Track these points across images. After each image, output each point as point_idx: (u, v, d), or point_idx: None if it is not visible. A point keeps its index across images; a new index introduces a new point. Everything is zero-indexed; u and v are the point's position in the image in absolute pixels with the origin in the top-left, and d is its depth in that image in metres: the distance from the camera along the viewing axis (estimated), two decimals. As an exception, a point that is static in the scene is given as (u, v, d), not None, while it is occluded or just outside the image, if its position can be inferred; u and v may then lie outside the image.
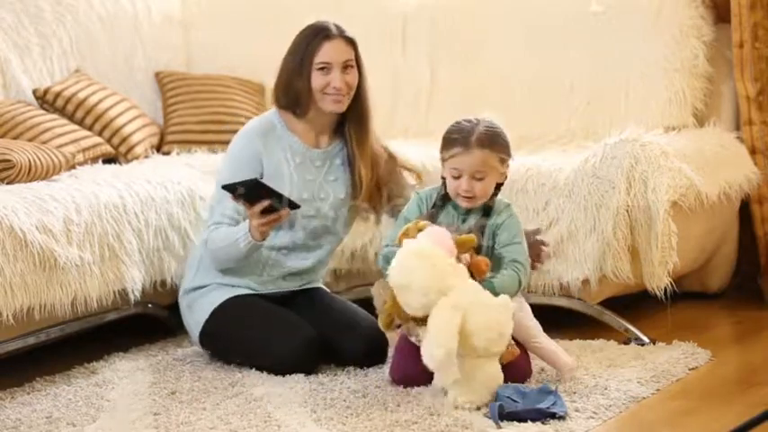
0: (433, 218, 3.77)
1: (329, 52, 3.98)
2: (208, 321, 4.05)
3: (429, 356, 3.46)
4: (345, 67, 3.98)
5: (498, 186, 3.80)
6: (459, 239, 3.64)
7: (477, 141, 3.71)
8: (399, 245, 3.64)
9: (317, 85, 3.97)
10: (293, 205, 3.89)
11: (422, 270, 3.51)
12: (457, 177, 3.74)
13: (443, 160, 3.78)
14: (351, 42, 4.02)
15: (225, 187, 3.86)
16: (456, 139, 3.75)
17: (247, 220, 3.90)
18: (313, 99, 3.99)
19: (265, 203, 3.84)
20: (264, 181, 3.89)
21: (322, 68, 3.96)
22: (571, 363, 3.75)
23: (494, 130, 3.75)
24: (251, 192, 3.84)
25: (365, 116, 4.06)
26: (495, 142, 3.74)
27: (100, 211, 4.16)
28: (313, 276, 4.18)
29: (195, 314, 4.09)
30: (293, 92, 4.02)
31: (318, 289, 4.20)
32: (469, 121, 3.76)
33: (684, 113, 4.80)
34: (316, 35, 4.00)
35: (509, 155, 3.79)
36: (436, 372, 3.52)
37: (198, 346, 4.15)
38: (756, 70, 4.74)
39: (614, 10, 4.89)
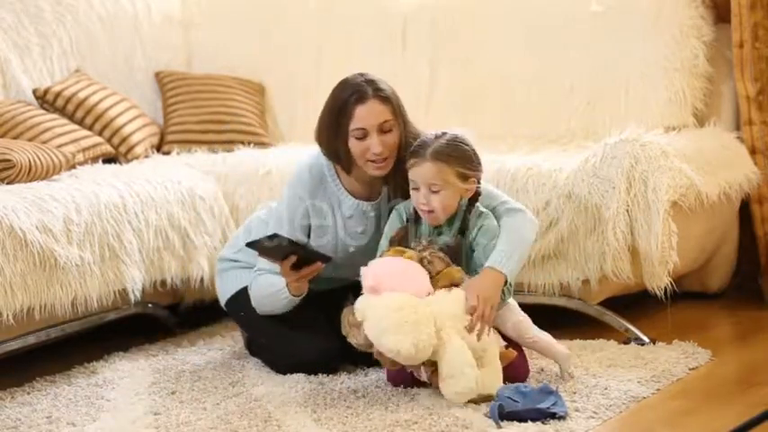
0: (406, 232, 3.76)
1: (364, 117, 3.75)
2: (234, 297, 4.05)
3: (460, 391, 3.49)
4: (383, 129, 3.77)
5: (472, 201, 3.76)
6: (443, 274, 3.65)
7: (432, 153, 3.67)
8: None
9: (356, 152, 3.79)
10: (324, 258, 3.78)
11: (402, 333, 3.51)
12: (416, 189, 3.72)
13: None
14: (386, 100, 3.79)
15: (248, 245, 3.75)
16: (415, 150, 3.73)
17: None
18: (355, 162, 3.83)
19: (293, 259, 3.74)
20: (287, 235, 3.78)
21: (359, 135, 3.78)
22: (566, 350, 3.77)
23: (455, 144, 3.70)
24: (275, 248, 3.72)
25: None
26: (452, 156, 3.68)
27: (100, 210, 4.16)
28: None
29: (225, 284, 4.10)
30: (334, 152, 3.84)
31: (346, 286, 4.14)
32: (435, 134, 3.73)
33: (684, 113, 4.80)
34: (349, 97, 3.77)
35: (473, 170, 3.72)
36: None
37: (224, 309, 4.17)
38: (756, 70, 4.74)
39: (614, 10, 4.89)
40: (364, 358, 3.89)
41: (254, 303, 3.95)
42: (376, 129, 3.78)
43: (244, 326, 4.16)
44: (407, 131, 3.85)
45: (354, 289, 3.88)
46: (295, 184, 3.93)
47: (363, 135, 3.78)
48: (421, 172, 3.70)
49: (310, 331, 3.92)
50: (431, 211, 3.72)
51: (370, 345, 3.66)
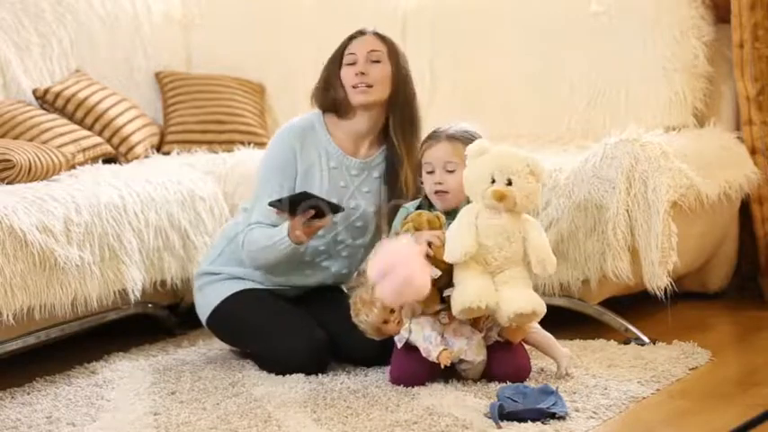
0: None
1: (357, 44, 3.98)
2: (216, 310, 4.04)
3: None
4: (371, 58, 3.95)
5: None
6: (429, 218, 3.73)
7: (447, 135, 3.84)
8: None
9: (346, 80, 3.95)
10: (336, 208, 3.83)
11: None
12: (431, 173, 3.82)
13: (421, 165, 3.86)
14: (382, 38, 4.00)
15: (271, 204, 3.82)
16: (429, 136, 3.89)
17: (286, 222, 3.85)
18: (348, 99, 3.96)
19: (309, 214, 3.79)
20: (309, 191, 3.85)
21: (350, 61, 3.95)
22: (567, 351, 3.81)
23: (465, 129, 3.87)
24: (296, 205, 3.80)
25: (412, 119, 3.98)
26: (464, 138, 3.83)
27: (100, 211, 4.16)
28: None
29: (205, 298, 4.09)
30: (331, 93, 3.99)
31: (331, 287, 4.17)
32: (447, 126, 3.88)
33: (684, 113, 4.80)
34: (351, 35, 4.01)
35: None
36: None
37: (206, 327, 4.16)
38: (756, 70, 4.74)
39: (614, 10, 4.89)
40: (363, 356, 3.91)
41: (246, 256, 3.97)
42: (364, 55, 3.95)
43: (228, 340, 4.14)
44: (405, 82, 3.97)
45: (333, 290, 4.09)
46: (284, 131, 4.01)
47: (353, 61, 3.95)
48: (437, 153, 3.82)
49: (294, 332, 3.92)
50: (445, 192, 3.78)
51: (379, 327, 3.73)
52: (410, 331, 3.72)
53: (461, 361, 3.71)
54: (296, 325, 3.94)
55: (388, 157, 4.01)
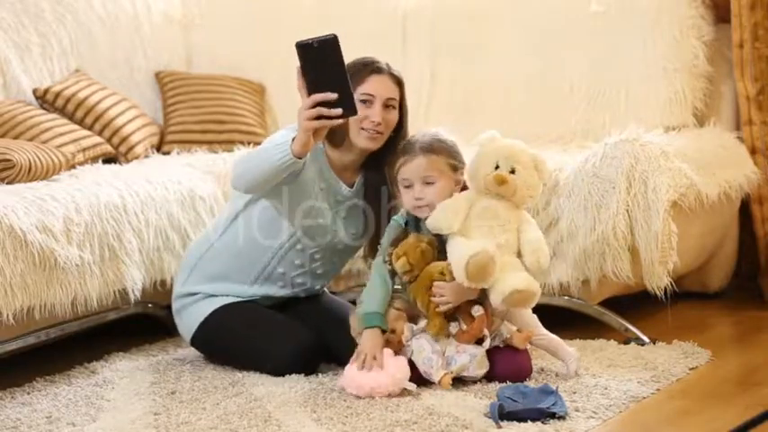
0: (406, 235, 3.78)
1: (375, 85, 3.83)
2: (199, 330, 4.03)
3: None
4: (387, 104, 3.84)
5: None
6: (423, 249, 3.71)
7: (422, 148, 3.75)
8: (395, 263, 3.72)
9: (355, 117, 3.79)
10: (350, 110, 3.60)
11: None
12: (408, 187, 3.76)
13: (397, 179, 3.79)
14: (398, 82, 3.89)
15: (299, 44, 3.60)
16: (403, 149, 3.80)
17: (294, 133, 3.65)
18: (347, 131, 3.85)
19: (328, 97, 3.55)
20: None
21: (364, 100, 3.81)
22: (575, 352, 3.80)
23: (437, 137, 3.79)
24: (322, 58, 3.58)
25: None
26: (439, 147, 3.76)
27: (100, 211, 4.16)
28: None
29: (185, 320, 4.07)
30: None
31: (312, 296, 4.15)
32: (419, 134, 3.81)
33: (684, 113, 4.80)
34: (365, 66, 3.86)
35: (460, 161, 3.80)
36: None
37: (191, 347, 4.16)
38: (756, 70, 4.74)
39: (614, 10, 4.90)
40: (346, 354, 3.90)
41: (237, 171, 3.81)
42: (382, 101, 3.84)
43: (215, 356, 4.10)
44: (406, 120, 3.91)
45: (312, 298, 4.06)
46: (290, 126, 3.83)
47: (368, 100, 3.82)
48: (413, 167, 3.75)
49: (281, 338, 3.91)
50: (426, 206, 3.74)
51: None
52: (411, 351, 3.71)
53: (463, 376, 3.70)
54: (282, 331, 3.93)
55: (367, 181, 3.96)
